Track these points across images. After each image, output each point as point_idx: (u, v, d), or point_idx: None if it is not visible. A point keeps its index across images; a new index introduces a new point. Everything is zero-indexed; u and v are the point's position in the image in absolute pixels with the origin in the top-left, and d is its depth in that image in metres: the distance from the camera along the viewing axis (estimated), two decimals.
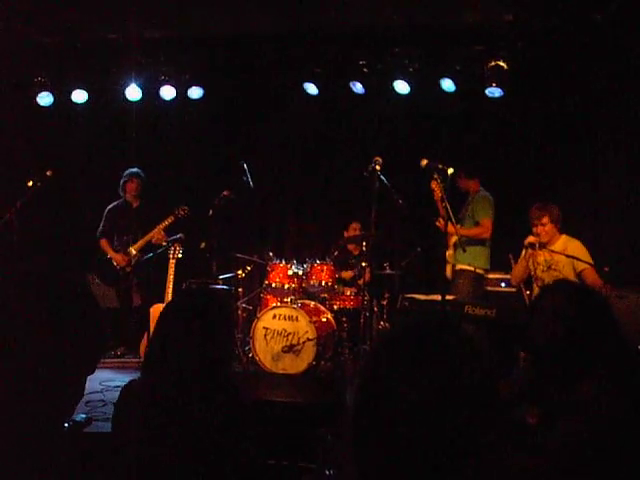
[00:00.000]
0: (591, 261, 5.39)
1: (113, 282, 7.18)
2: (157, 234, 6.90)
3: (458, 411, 1.07)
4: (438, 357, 1.11)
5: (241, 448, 1.91)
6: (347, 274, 7.49)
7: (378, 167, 5.87)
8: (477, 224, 6.38)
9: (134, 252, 7.08)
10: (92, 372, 1.58)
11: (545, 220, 5.48)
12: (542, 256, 5.55)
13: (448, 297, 5.43)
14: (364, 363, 1.20)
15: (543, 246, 5.51)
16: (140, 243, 7.06)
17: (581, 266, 5.36)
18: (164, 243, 6.79)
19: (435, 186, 5.62)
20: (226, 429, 1.90)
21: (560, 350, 2.06)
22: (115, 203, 7.35)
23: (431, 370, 1.09)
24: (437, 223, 6.11)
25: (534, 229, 5.54)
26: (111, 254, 7.16)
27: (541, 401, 2.18)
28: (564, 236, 5.57)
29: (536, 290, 5.60)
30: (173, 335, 2.03)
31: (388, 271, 7.09)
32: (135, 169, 7.28)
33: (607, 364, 1.98)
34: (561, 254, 5.42)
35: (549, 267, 5.50)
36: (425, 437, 1.06)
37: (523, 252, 5.65)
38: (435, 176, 5.51)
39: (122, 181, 7.28)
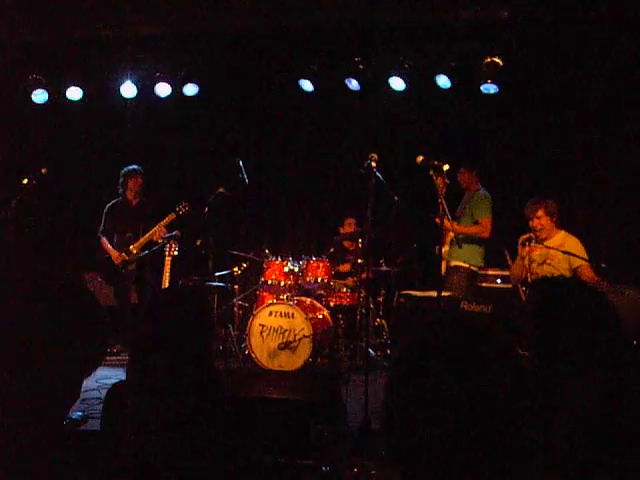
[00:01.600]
0: (587, 258, 5.40)
1: (114, 280, 7.17)
2: (159, 231, 6.86)
3: (491, 417, 1.07)
4: (473, 363, 1.11)
5: (229, 445, 1.91)
6: (345, 267, 7.49)
7: (374, 163, 5.85)
8: (476, 223, 6.38)
9: (135, 251, 7.04)
10: (90, 374, 1.58)
11: (540, 213, 5.48)
12: (539, 251, 5.55)
13: (444, 294, 5.43)
14: (397, 363, 1.20)
15: (540, 242, 5.51)
16: (141, 241, 7.02)
17: (577, 262, 5.36)
18: (160, 241, 6.77)
19: (440, 182, 5.52)
20: (213, 427, 1.90)
21: (551, 349, 2.07)
22: (114, 201, 7.25)
23: (466, 376, 1.09)
24: (437, 219, 6.05)
25: (530, 223, 5.54)
26: (110, 252, 7.12)
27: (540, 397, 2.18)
28: (563, 232, 5.57)
29: None
30: (152, 336, 2.03)
31: (384, 268, 7.09)
32: (135, 166, 7.21)
33: (603, 360, 1.98)
34: (557, 250, 5.42)
35: (544, 261, 5.50)
36: (458, 440, 1.06)
37: (520, 250, 5.64)
38: (430, 172, 5.49)
39: (123, 178, 7.16)
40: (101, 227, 7.20)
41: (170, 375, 1.94)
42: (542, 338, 2.08)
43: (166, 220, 6.87)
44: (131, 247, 7.03)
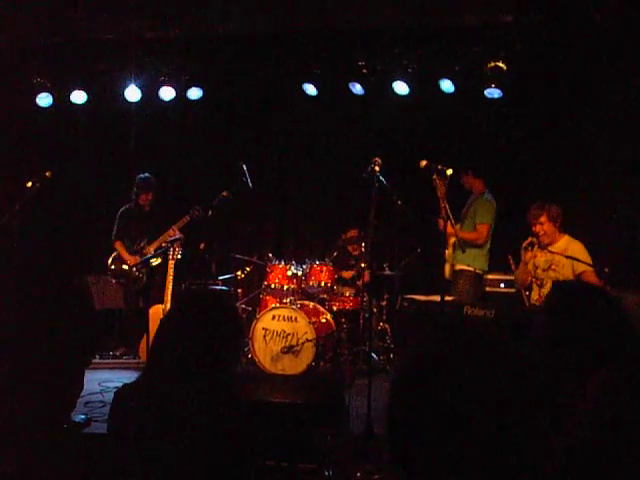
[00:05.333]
0: (591, 263, 5.39)
1: (126, 283, 7.22)
2: (173, 234, 6.89)
3: (500, 427, 1.07)
4: (477, 369, 1.10)
5: (242, 449, 1.91)
6: (348, 274, 7.48)
7: (377, 168, 5.86)
8: (474, 228, 6.38)
9: (150, 254, 7.09)
10: (89, 364, 1.60)
11: (543, 219, 5.47)
12: (543, 257, 5.54)
13: (447, 298, 5.42)
14: (401, 368, 1.19)
15: (544, 247, 5.50)
16: (156, 244, 7.08)
17: (581, 268, 5.35)
18: (163, 244, 6.79)
19: (439, 182, 5.51)
20: (227, 430, 1.89)
21: (563, 350, 2.07)
22: (127, 206, 7.36)
23: (470, 381, 1.08)
24: (439, 221, 6.05)
25: (533, 229, 5.53)
26: (125, 256, 7.18)
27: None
28: (566, 237, 5.55)
29: (535, 291, 5.60)
30: (177, 337, 2.03)
31: (387, 272, 7.08)
32: (147, 176, 7.24)
33: (613, 361, 1.99)
34: (561, 254, 5.41)
35: (549, 267, 5.49)
36: (462, 446, 1.06)
37: (523, 255, 5.62)
38: (434, 176, 5.49)
39: (136, 190, 7.26)
40: (114, 231, 7.26)
41: (189, 377, 1.94)
42: (557, 338, 2.09)
43: (180, 222, 6.92)
44: (145, 251, 7.10)
